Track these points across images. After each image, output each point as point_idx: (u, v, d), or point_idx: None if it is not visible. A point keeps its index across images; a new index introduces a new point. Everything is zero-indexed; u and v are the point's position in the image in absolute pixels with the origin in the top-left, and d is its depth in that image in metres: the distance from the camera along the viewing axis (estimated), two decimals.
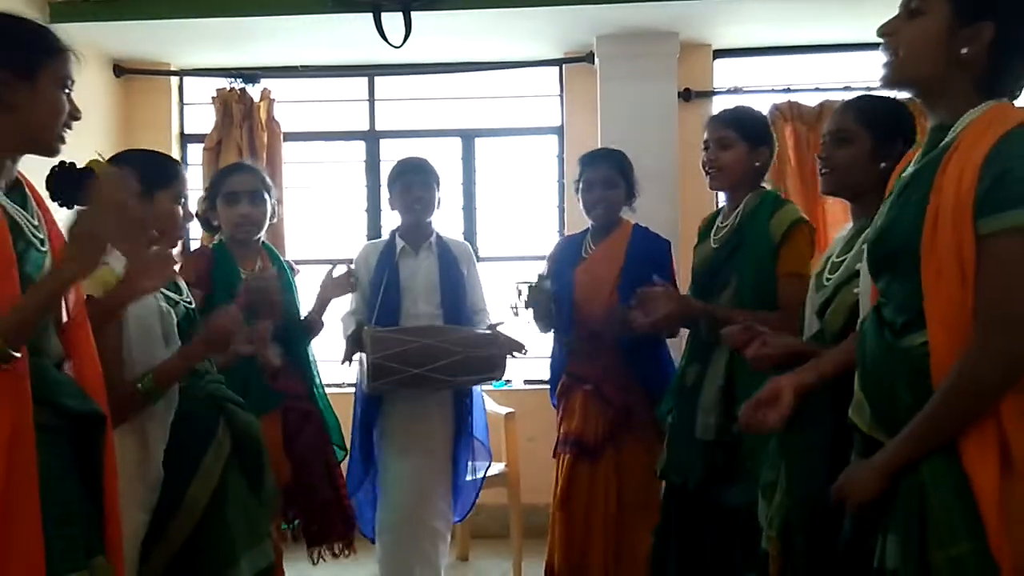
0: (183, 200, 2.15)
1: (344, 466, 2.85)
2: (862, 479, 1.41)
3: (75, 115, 1.65)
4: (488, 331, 2.97)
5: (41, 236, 1.61)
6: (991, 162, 1.28)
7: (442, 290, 3.01)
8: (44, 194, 1.72)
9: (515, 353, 2.96)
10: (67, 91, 1.63)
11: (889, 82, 1.48)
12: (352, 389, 3.18)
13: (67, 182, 1.95)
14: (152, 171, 2.10)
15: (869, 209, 1.94)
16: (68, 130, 1.65)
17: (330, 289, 2.81)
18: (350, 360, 2.94)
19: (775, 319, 2.27)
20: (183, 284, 2.21)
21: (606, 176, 2.91)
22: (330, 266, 2.89)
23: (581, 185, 2.96)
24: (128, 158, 2.15)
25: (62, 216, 1.76)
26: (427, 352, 2.80)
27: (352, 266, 2.93)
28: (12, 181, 1.63)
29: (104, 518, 1.63)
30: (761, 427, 1.74)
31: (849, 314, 1.87)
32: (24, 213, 1.59)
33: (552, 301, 2.87)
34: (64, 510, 1.53)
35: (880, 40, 1.49)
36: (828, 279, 1.97)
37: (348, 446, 2.88)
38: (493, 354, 2.90)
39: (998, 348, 1.27)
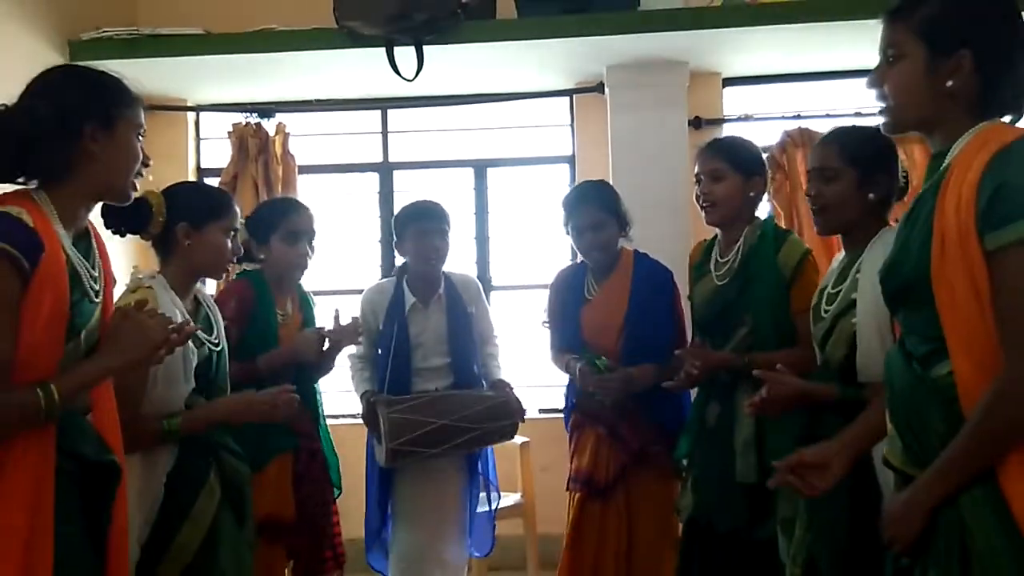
0: (233, 234, 2.17)
1: (340, 503, 2.84)
2: (902, 518, 1.35)
3: (146, 162, 1.72)
4: (499, 392, 2.96)
5: (97, 288, 1.64)
6: (986, 179, 1.29)
7: (450, 343, 2.98)
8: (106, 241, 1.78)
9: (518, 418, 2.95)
10: (140, 139, 1.70)
11: (891, 129, 1.50)
12: (353, 420, 3.16)
13: (127, 211, 1.99)
14: (203, 203, 2.14)
15: (860, 239, 1.95)
16: (140, 177, 1.72)
17: (338, 335, 2.72)
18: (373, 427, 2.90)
19: (798, 356, 2.22)
20: (219, 325, 2.19)
21: (593, 220, 2.80)
22: (335, 311, 2.79)
23: (570, 231, 2.87)
24: (182, 189, 2.19)
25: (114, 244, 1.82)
26: (443, 433, 2.78)
27: (358, 318, 2.83)
28: (82, 230, 1.67)
29: (108, 567, 1.63)
30: (806, 489, 1.68)
31: (849, 344, 1.87)
32: (86, 263, 1.63)
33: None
34: (72, 556, 1.53)
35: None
36: (826, 310, 1.97)
37: (341, 485, 2.85)
38: (506, 425, 2.91)
39: None
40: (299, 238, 2.63)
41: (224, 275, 2.24)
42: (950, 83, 1.38)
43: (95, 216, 1.80)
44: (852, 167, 1.95)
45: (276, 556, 2.57)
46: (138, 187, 1.73)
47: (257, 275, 2.65)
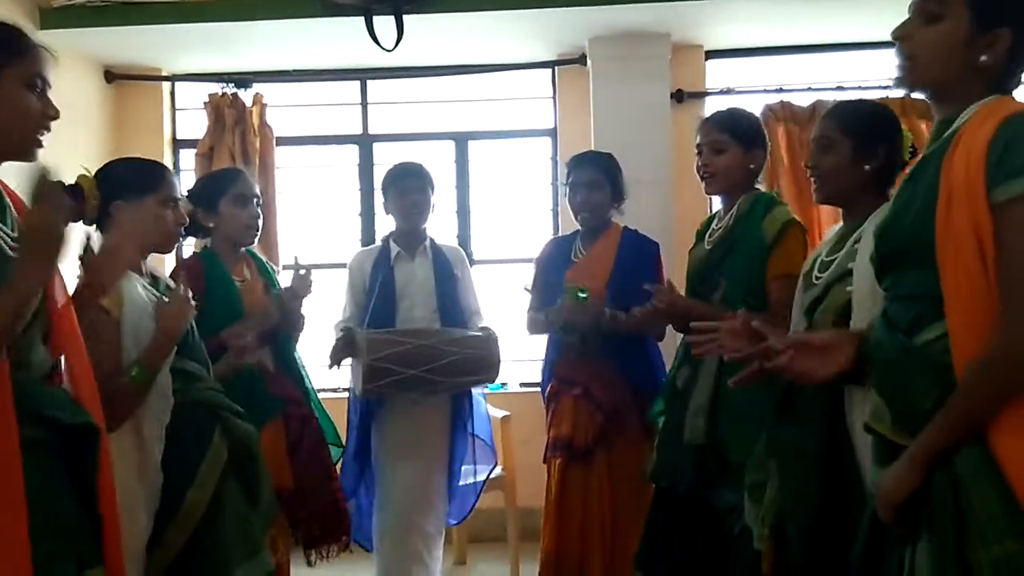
0: (173, 204, 2.12)
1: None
2: (895, 477, 1.34)
3: (50, 114, 1.60)
4: (481, 332, 2.96)
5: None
6: (997, 137, 1.29)
7: (438, 294, 3.00)
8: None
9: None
10: (38, 90, 1.58)
11: (905, 85, 1.47)
12: (343, 394, 3.17)
13: None
14: (135, 177, 2.09)
15: (860, 211, 1.96)
16: (45, 131, 1.60)
17: (294, 293, 2.70)
18: (339, 364, 2.92)
19: (763, 320, 2.27)
20: (173, 286, 2.17)
21: (591, 179, 2.90)
22: (294, 257, 2.81)
23: (568, 188, 2.96)
24: (113, 167, 2.14)
25: None
26: (422, 353, 2.80)
27: (305, 267, 2.77)
28: None
29: (102, 530, 1.60)
30: (810, 378, 1.59)
31: (840, 313, 1.88)
32: (1, 226, 1.56)
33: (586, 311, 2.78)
34: (56, 523, 1.52)
35: (874, 41, 1.48)
36: (818, 277, 1.98)
37: (342, 443, 2.86)
38: (488, 355, 2.91)
39: None
40: (248, 200, 2.65)
41: (174, 246, 2.20)
42: (984, 58, 1.38)
43: None
44: (849, 138, 1.97)
45: (279, 526, 2.57)
46: (43, 142, 1.59)
47: (205, 251, 2.67)
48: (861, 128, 1.97)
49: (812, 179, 2.04)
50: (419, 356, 2.79)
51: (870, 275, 1.79)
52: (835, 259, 1.96)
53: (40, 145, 1.60)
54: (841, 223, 2.06)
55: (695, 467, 2.35)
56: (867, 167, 1.96)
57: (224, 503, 2.00)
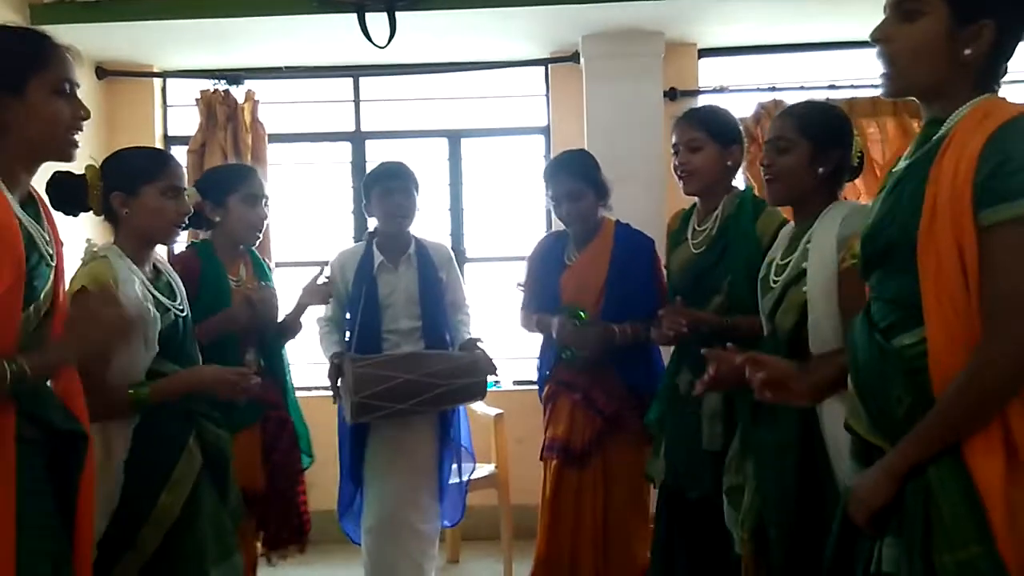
0: (174, 194, 2.07)
1: (311, 474, 2.81)
2: (871, 485, 1.36)
3: (81, 115, 1.63)
4: (468, 352, 2.95)
5: (51, 251, 1.62)
6: (987, 153, 1.25)
7: (422, 304, 2.97)
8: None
9: (490, 376, 2.94)
10: (67, 93, 1.61)
11: (891, 92, 1.43)
12: (323, 392, 3.14)
13: (66, 191, 1.95)
14: (134, 167, 2.06)
15: (811, 211, 1.97)
16: (78, 132, 1.64)
17: (308, 296, 2.75)
18: (335, 386, 2.92)
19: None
20: (181, 291, 2.15)
21: (570, 189, 2.81)
22: (317, 270, 2.84)
23: (550, 199, 2.89)
24: (115, 157, 2.12)
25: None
26: (409, 388, 2.77)
27: (329, 275, 2.85)
28: (26, 195, 1.63)
29: (75, 535, 1.61)
30: (757, 391, 1.68)
31: (799, 313, 1.89)
32: (38, 227, 1.59)
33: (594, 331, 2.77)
34: (37, 523, 1.51)
35: (867, 39, 1.43)
36: (775, 281, 1.98)
37: (313, 453, 2.82)
38: (475, 383, 2.89)
39: (1012, 338, 1.23)
40: (258, 200, 2.63)
41: (176, 237, 2.16)
42: (968, 51, 1.33)
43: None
44: (806, 140, 1.98)
45: (247, 527, 2.55)
46: (78, 142, 1.65)
47: (204, 244, 2.62)
48: (819, 131, 1.98)
49: (766, 179, 2.03)
50: (405, 391, 2.77)
51: (824, 275, 1.82)
52: (789, 261, 1.96)
53: (75, 145, 1.65)
54: (790, 225, 2.07)
55: (714, 474, 2.32)
56: (821, 170, 1.97)
57: (201, 506, 1.99)
